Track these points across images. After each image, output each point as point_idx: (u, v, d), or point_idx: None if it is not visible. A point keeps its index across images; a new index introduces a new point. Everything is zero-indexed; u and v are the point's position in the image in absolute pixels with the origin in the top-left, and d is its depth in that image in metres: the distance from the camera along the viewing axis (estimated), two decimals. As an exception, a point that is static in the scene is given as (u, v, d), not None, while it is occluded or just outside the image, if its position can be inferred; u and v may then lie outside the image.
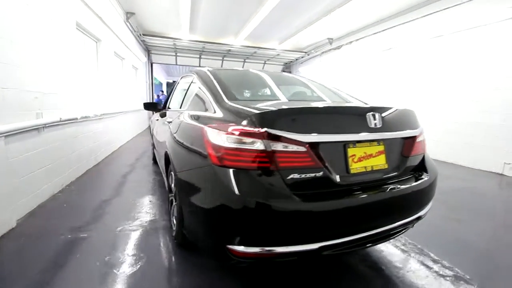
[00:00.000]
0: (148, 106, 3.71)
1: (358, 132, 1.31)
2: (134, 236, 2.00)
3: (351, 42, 7.70)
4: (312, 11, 6.19)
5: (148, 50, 9.56)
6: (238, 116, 1.25)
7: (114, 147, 5.37)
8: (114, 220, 2.26)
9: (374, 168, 1.36)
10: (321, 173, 1.19)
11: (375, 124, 1.34)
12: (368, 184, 1.33)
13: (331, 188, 1.23)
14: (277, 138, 1.14)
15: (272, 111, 1.21)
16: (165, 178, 2.57)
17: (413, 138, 1.53)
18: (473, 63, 4.56)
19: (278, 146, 1.14)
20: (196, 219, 1.38)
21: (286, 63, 11.57)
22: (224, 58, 10.67)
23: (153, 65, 10.69)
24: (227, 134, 1.19)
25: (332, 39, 8.13)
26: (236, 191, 1.11)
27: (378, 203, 1.27)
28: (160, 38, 7.95)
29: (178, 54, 10.10)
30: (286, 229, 1.12)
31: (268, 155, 1.13)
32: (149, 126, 4.69)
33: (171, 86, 24.42)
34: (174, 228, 1.86)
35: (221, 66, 11.02)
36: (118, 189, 3.09)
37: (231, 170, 1.15)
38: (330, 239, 1.17)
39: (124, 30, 5.62)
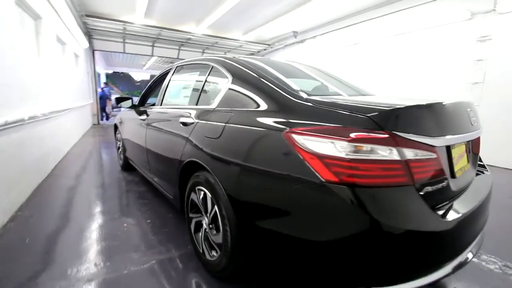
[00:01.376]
0: (121, 101, 3.07)
1: (465, 131, 1.17)
2: (159, 271, 1.54)
3: (315, 36, 7.81)
4: (282, 3, 6.01)
5: (89, 34, 8.11)
6: (348, 116, 0.96)
7: (62, 153, 4.40)
8: (112, 255, 1.73)
9: (465, 169, 1.26)
10: (445, 182, 1.03)
11: (473, 122, 1.23)
12: (467, 187, 1.22)
13: (451, 197, 1.07)
14: (409, 144, 0.91)
15: (402, 109, 0.96)
16: (168, 194, 2.10)
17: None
18: (435, 60, 5.01)
19: (410, 154, 0.92)
20: (287, 254, 1.06)
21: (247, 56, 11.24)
22: (181, 48, 9.78)
23: (96, 52, 9.18)
24: (348, 141, 0.90)
25: (297, 32, 8.12)
26: (372, 216, 0.85)
27: (482, 205, 1.17)
28: (108, 21, 6.77)
29: (127, 40, 8.84)
30: (429, 256, 0.92)
31: (403, 166, 0.90)
32: (115, 126, 3.92)
33: (111, 77, 21.78)
34: (209, 258, 1.48)
35: (178, 56, 10.11)
36: (90, 210, 2.44)
37: (357, 189, 0.87)
38: (457, 257, 1.02)
39: (64, 9, 4.55)
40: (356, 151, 0.89)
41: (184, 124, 1.74)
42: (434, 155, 0.97)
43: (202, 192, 1.54)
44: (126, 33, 8.02)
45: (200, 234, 1.59)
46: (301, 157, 0.97)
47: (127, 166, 3.65)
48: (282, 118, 1.13)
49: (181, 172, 1.72)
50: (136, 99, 3.21)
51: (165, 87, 2.36)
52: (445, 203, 1.03)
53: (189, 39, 8.57)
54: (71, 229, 2.06)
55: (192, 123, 1.64)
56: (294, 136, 1.01)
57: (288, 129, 1.05)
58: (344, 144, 0.90)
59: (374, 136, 0.89)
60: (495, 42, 4.25)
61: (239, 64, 1.59)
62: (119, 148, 3.87)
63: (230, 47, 9.61)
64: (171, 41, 8.88)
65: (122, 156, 3.68)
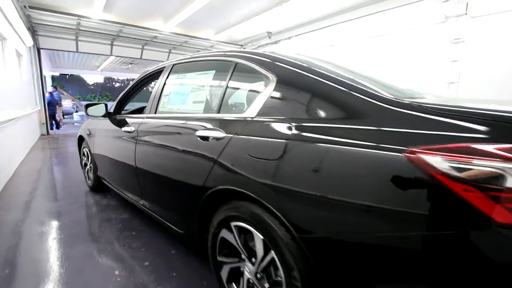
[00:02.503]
0: (93, 109, 2.50)
1: None
2: None
3: (290, 37, 7.69)
4: (258, 2, 5.75)
5: (33, 30, 6.90)
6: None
7: (8, 173, 3.53)
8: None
9: None
10: None
11: None
12: None
13: None
14: None
15: None
16: (175, 228, 1.65)
17: None
18: (413, 61, 5.16)
19: None
20: None
21: (216, 56, 10.73)
22: (145, 47, 8.91)
23: (41, 52, 7.89)
24: None
25: (271, 32, 7.91)
26: None
27: None
28: (58, 15, 5.79)
29: (81, 38, 7.75)
30: None
31: None
32: (80, 138, 3.24)
33: (58, 80, 19.38)
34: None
35: (141, 56, 9.23)
36: (63, 253, 1.86)
37: None
38: None
39: (3, -5, 3.68)
40: None
41: (205, 138, 1.32)
42: None
43: (238, 229, 1.17)
44: (81, 30, 7.01)
45: (240, 286, 1.20)
46: (448, 189, 0.67)
47: (98, 187, 3.03)
48: (384, 130, 0.82)
49: (204, 202, 1.30)
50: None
51: (160, 90, 1.87)
52: None
53: (155, 37, 7.83)
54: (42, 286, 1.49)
55: (221, 137, 1.24)
56: (427, 158, 0.70)
57: (411, 148, 0.73)
58: None
59: None
60: (468, 44, 4.49)
61: (280, 62, 1.23)
62: (85, 165, 3.19)
63: (200, 47, 9.04)
64: (134, 39, 8.02)
65: (91, 175, 3.02)
